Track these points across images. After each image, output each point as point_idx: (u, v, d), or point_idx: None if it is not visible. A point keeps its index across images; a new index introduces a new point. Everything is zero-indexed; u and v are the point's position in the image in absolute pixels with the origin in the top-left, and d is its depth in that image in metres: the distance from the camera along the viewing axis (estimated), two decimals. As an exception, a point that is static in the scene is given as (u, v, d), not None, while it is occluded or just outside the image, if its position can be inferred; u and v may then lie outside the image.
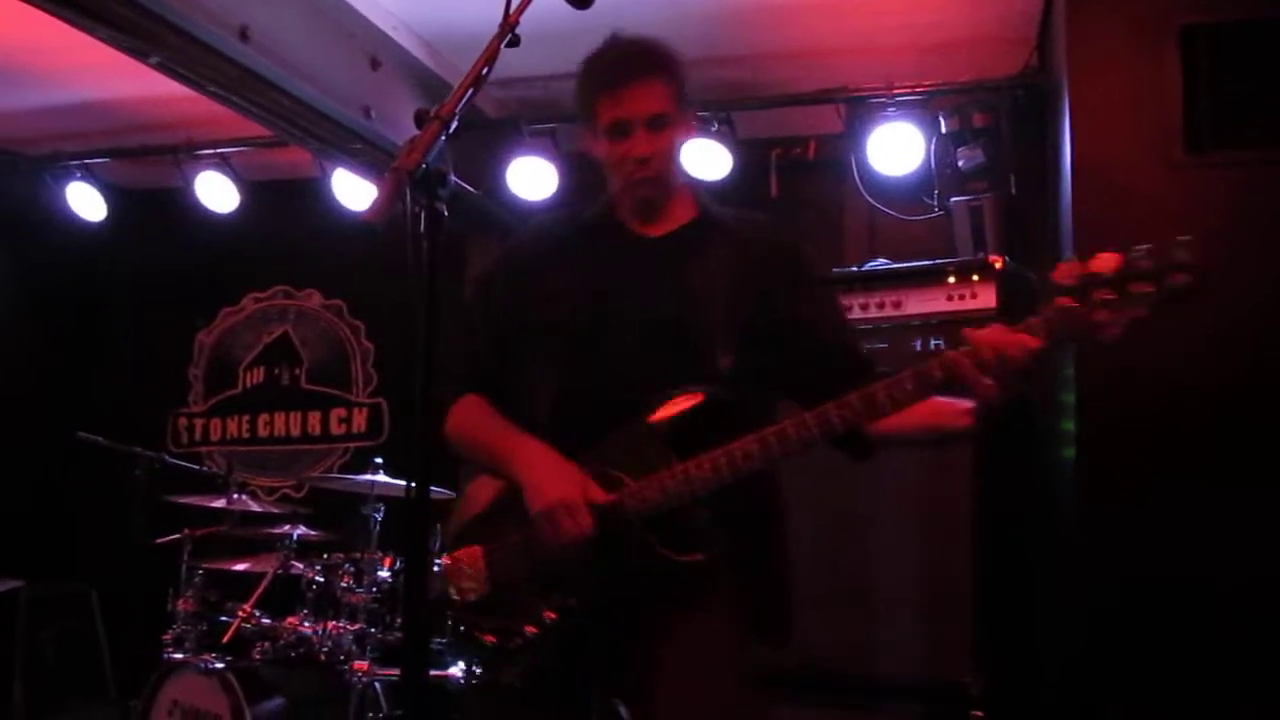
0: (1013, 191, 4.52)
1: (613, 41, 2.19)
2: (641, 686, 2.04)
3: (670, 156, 2.17)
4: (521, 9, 1.85)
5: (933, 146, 4.68)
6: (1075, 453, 3.44)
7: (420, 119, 1.64)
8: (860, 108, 4.82)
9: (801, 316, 2.16)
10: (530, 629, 2.03)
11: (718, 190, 4.04)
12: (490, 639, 2.08)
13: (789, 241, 2.28)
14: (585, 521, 1.95)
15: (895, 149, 4.71)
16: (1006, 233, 4.46)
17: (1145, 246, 1.72)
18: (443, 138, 1.63)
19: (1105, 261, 1.74)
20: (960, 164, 4.57)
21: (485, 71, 1.78)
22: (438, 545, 2.95)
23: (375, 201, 1.56)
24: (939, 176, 4.68)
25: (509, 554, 2.09)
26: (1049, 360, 1.85)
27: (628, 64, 2.14)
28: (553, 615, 2.02)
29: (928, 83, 4.70)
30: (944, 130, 4.64)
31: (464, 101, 1.72)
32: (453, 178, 1.66)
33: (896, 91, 4.71)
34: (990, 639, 3.47)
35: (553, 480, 2.00)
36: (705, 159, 4.83)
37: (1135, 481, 3.29)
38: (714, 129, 4.83)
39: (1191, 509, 3.22)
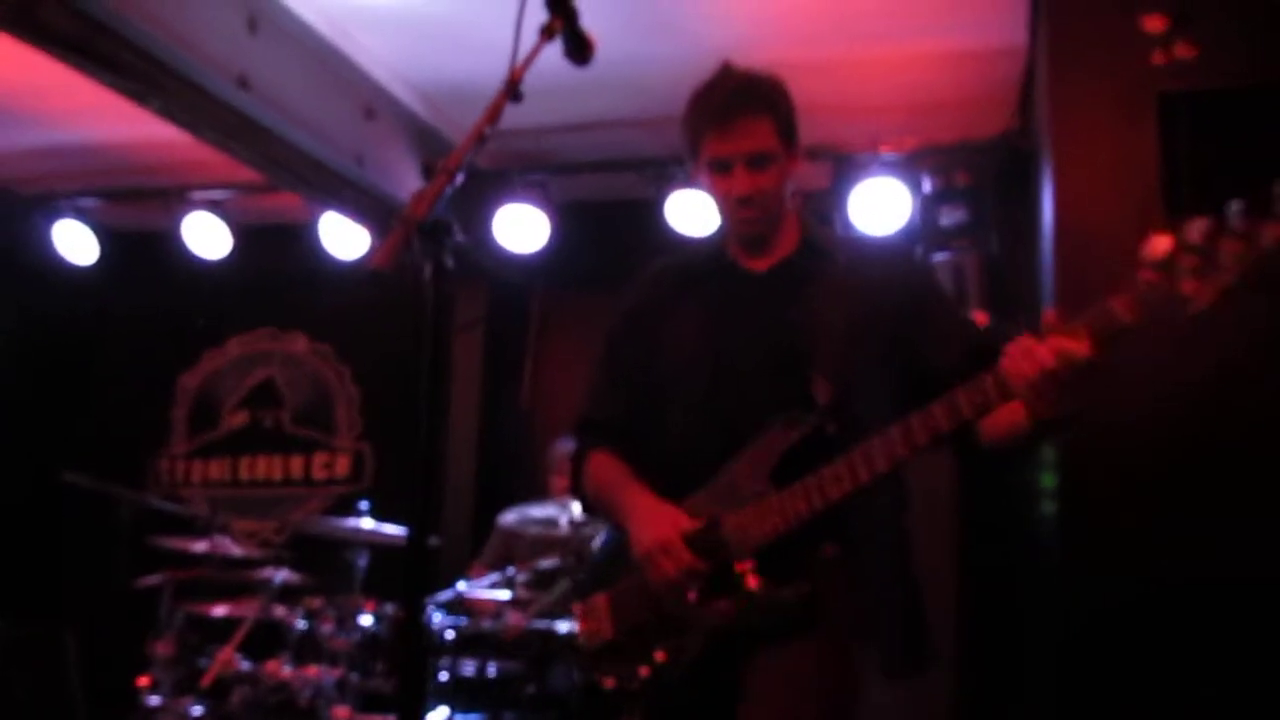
0: (994, 250, 4.60)
1: (719, 75, 2.18)
2: (739, 697, 2.01)
3: (773, 194, 2.15)
4: (526, 65, 1.90)
5: (917, 204, 4.77)
6: (1056, 505, 3.48)
7: (429, 171, 1.68)
8: (846, 165, 4.90)
9: (907, 338, 2.10)
10: (644, 671, 2.06)
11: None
12: (610, 683, 2.12)
13: (897, 262, 2.26)
14: (684, 559, 1.97)
15: (880, 205, 4.79)
16: (988, 290, 4.54)
17: (1240, 201, 1.60)
18: (449, 190, 1.68)
19: (1197, 226, 1.63)
20: (943, 222, 4.66)
21: (489, 130, 1.83)
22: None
23: (383, 250, 1.60)
24: (922, 233, 4.75)
25: (629, 599, 2.13)
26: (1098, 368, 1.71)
27: (730, 100, 2.13)
28: (663, 656, 2.05)
29: (913, 142, 4.80)
30: (928, 188, 4.73)
31: (470, 154, 1.77)
32: (459, 231, 1.70)
33: (882, 150, 4.81)
34: (971, 688, 3.48)
35: (649, 524, 2.04)
36: (696, 212, 4.92)
37: (1113, 531, 3.33)
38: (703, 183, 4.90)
39: (1168, 541, 3.25)
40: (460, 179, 1.69)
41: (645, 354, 2.26)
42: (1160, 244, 1.65)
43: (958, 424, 1.83)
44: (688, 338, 2.20)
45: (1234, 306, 1.66)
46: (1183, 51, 3.50)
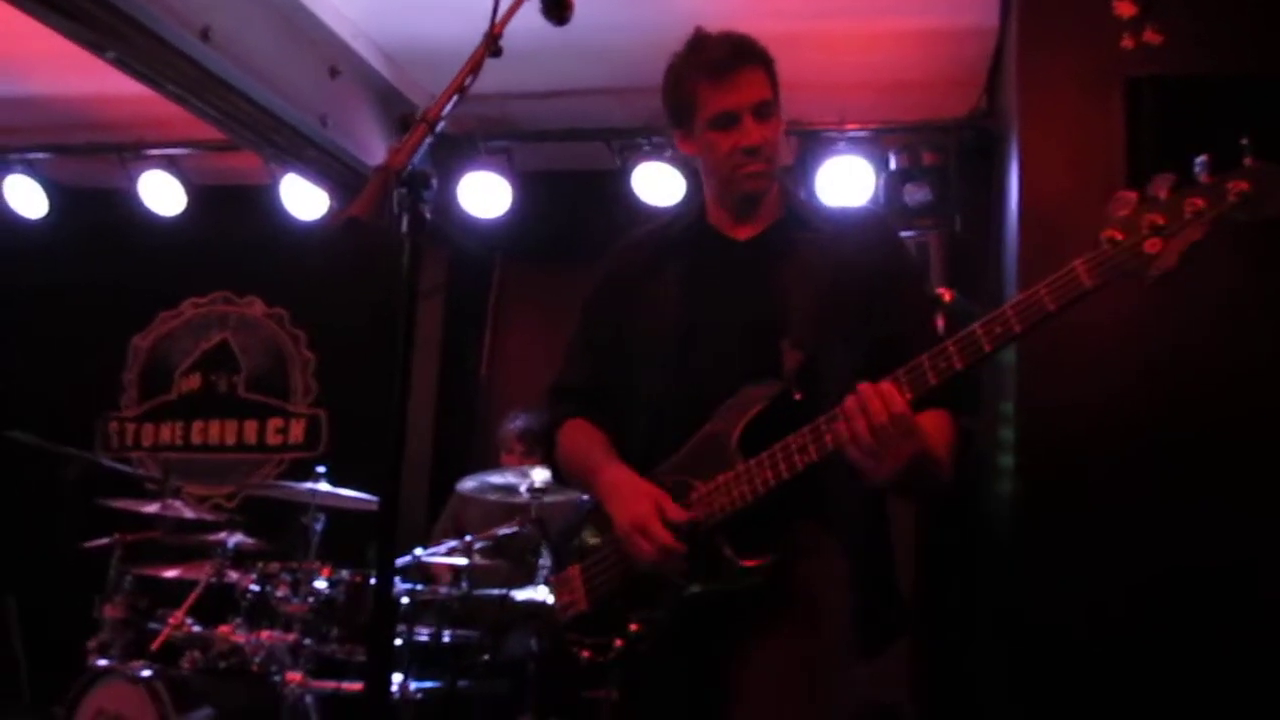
0: (958, 228, 4.64)
1: (706, 35, 2.15)
2: (730, 695, 2.00)
3: (777, 147, 2.14)
4: (506, 20, 1.87)
5: (882, 182, 4.79)
6: (1013, 485, 3.52)
7: (406, 121, 1.66)
8: (812, 141, 4.92)
9: (879, 308, 2.09)
10: (619, 641, 2.05)
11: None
12: (586, 654, 2.11)
13: (875, 236, 2.23)
14: (660, 536, 1.95)
15: (845, 183, 4.80)
16: (951, 268, 4.57)
17: (1204, 157, 1.58)
18: (429, 140, 1.65)
19: (1161, 182, 1.60)
20: (908, 200, 4.69)
21: (470, 80, 1.80)
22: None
23: (362, 199, 1.57)
24: (887, 211, 4.78)
25: (604, 571, 2.11)
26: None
27: (731, 53, 2.09)
28: (637, 627, 2.04)
29: (879, 120, 4.82)
30: (893, 167, 4.76)
31: (449, 107, 1.74)
32: (435, 181, 1.68)
33: (849, 127, 4.82)
34: (928, 666, 3.52)
35: (627, 501, 2.01)
36: (662, 184, 4.90)
37: (1068, 511, 3.38)
38: (667, 154, 4.89)
39: (1122, 535, 3.30)
40: (440, 127, 1.67)
41: (621, 321, 2.25)
42: (1125, 200, 1.63)
43: (920, 393, 1.82)
44: (664, 305, 2.18)
45: (1194, 283, 1.67)
46: (1151, 37, 3.53)
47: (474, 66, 1.80)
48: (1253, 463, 3.24)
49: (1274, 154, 1.61)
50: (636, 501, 2.00)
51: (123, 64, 3.87)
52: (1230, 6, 3.49)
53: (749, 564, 1.93)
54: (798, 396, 1.99)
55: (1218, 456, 3.26)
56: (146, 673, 4.03)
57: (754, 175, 2.13)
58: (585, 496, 2.30)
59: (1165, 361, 3.33)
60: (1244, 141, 1.58)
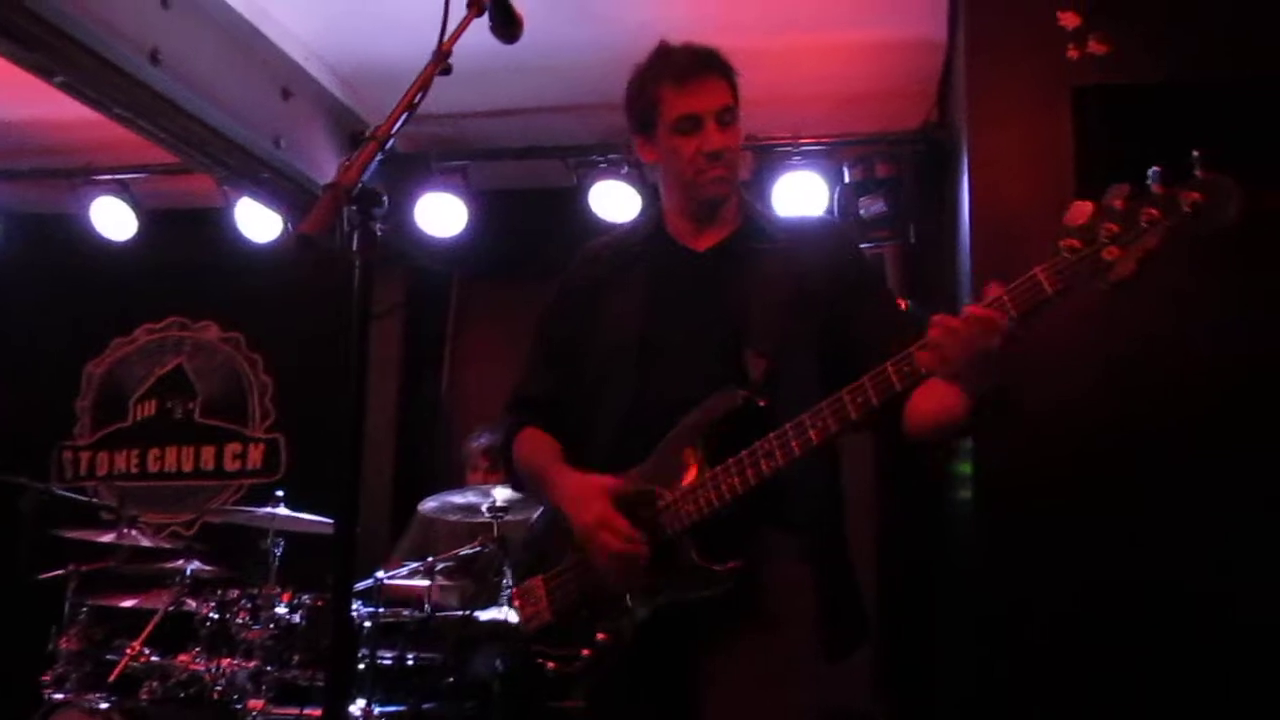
0: (912, 240, 4.68)
1: (669, 46, 2.18)
2: (698, 702, 1.99)
3: (738, 155, 2.17)
4: (455, 37, 1.87)
5: (837, 195, 4.82)
6: (972, 485, 3.55)
7: (358, 139, 1.65)
8: (768, 156, 4.94)
9: (841, 319, 2.11)
10: (586, 652, 2.04)
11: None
12: (552, 665, 2.10)
13: (835, 244, 2.26)
14: (622, 526, 1.96)
15: (801, 196, 4.83)
16: (907, 279, 4.61)
17: (1156, 168, 1.61)
18: (379, 157, 1.64)
19: (1117, 192, 1.63)
20: (863, 213, 4.72)
21: (420, 97, 1.80)
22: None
23: (314, 215, 1.56)
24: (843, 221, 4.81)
25: (566, 581, 2.10)
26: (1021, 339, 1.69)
27: (696, 60, 2.14)
28: (604, 636, 2.03)
29: (834, 134, 4.86)
30: (848, 180, 4.79)
31: (399, 124, 1.74)
32: (386, 199, 1.67)
33: (803, 141, 4.85)
34: (892, 669, 3.53)
35: (584, 501, 2.01)
36: (618, 201, 4.91)
37: (1027, 517, 3.40)
38: (624, 171, 4.90)
39: (1081, 541, 3.33)
40: (391, 145, 1.66)
41: (580, 333, 2.25)
42: (1082, 210, 1.66)
43: (886, 396, 1.84)
44: (624, 315, 2.18)
45: (1152, 286, 1.69)
46: (1095, 47, 3.59)
47: (424, 83, 1.80)
48: (1207, 465, 3.28)
49: (1221, 162, 1.64)
50: (592, 500, 2.01)
51: (71, 88, 3.83)
52: (1172, 17, 3.55)
53: (717, 569, 1.93)
54: (763, 403, 1.99)
55: (1173, 461, 3.30)
56: (104, 705, 3.98)
57: (715, 180, 2.14)
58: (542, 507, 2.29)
59: (1120, 366, 3.37)
60: (1195, 154, 1.60)
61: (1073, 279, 1.65)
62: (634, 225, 2.39)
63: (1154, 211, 1.60)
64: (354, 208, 1.60)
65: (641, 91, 2.18)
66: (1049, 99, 3.63)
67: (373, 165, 1.64)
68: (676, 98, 2.12)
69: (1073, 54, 3.58)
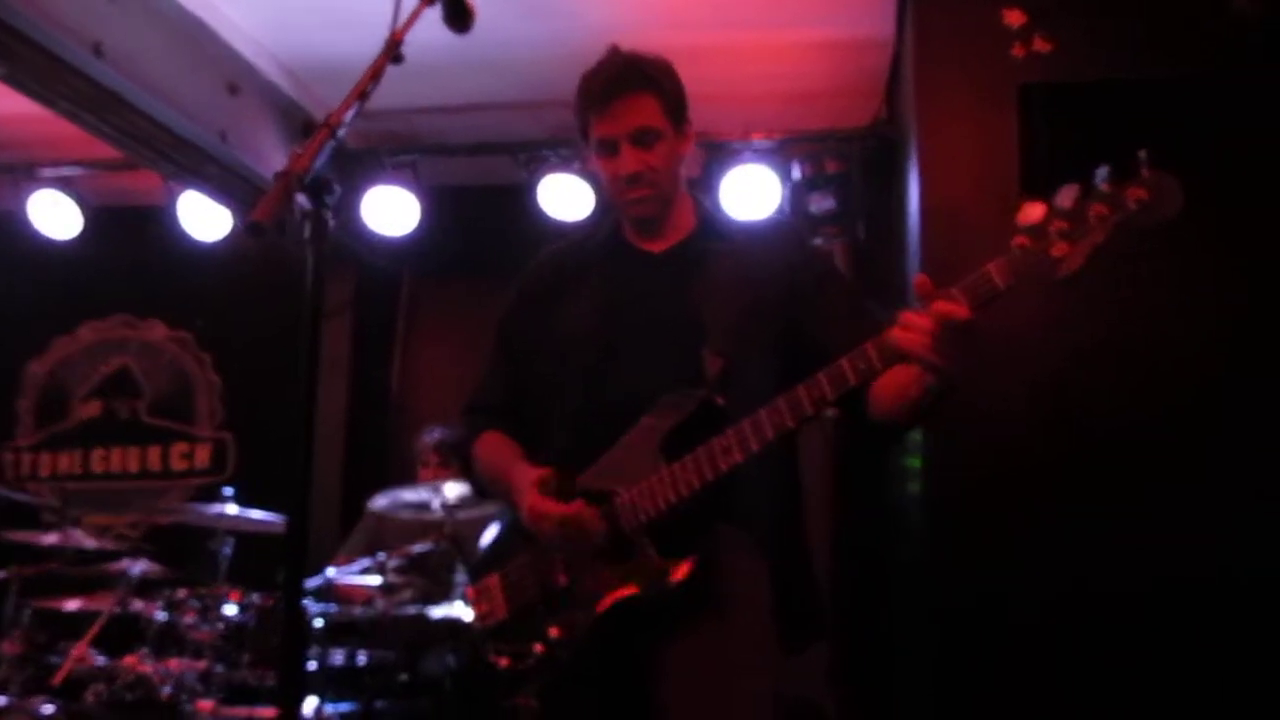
0: (862, 236, 4.72)
1: (603, 59, 2.18)
2: (654, 694, 2.00)
3: (664, 173, 2.15)
4: (407, 27, 1.87)
5: (787, 191, 4.85)
6: (922, 479, 3.59)
7: (308, 128, 1.64)
8: (718, 152, 4.96)
9: (799, 319, 2.12)
10: (539, 648, 2.04)
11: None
12: (504, 662, 2.10)
13: (792, 245, 2.27)
14: (560, 506, 1.97)
15: (751, 193, 4.86)
16: (856, 275, 4.65)
17: (1105, 167, 1.68)
18: (331, 145, 1.64)
19: (1067, 193, 1.70)
20: (813, 209, 4.76)
21: (372, 86, 1.79)
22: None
23: (263, 204, 1.54)
24: (795, 219, 4.85)
25: (521, 577, 2.11)
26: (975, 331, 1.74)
27: (611, 81, 2.13)
28: (558, 632, 2.03)
29: (783, 130, 4.89)
30: (797, 176, 4.83)
31: (351, 113, 1.73)
32: (338, 187, 1.66)
33: (754, 138, 4.88)
34: (847, 662, 3.56)
35: (527, 492, 2.03)
36: (569, 198, 4.91)
37: (978, 511, 3.45)
38: (577, 168, 4.90)
39: (1030, 535, 3.38)
40: (342, 133, 1.65)
41: (537, 337, 2.25)
42: (1033, 210, 1.71)
43: (843, 390, 1.86)
44: (581, 319, 2.19)
45: (1098, 288, 1.74)
46: (1040, 45, 3.65)
47: (375, 73, 1.79)
48: (1155, 458, 3.33)
49: (1164, 158, 1.69)
50: (534, 484, 2.04)
51: (13, 81, 3.76)
52: (1115, 14, 3.62)
53: (673, 565, 1.94)
54: (720, 401, 2.01)
55: (1125, 458, 3.35)
56: (48, 709, 3.91)
57: (634, 201, 2.17)
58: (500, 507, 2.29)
59: (1071, 364, 3.42)
60: (1141, 153, 1.67)
61: (1023, 273, 1.71)
62: (590, 229, 2.40)
63: (1102, 208, 1.67)
64: (306, 195, 1.59)
65: (576, 114, 2.20)
66: (995, 96, 3.68)
67: (325, 153, 1.63)
68: (597, 121, 2.14)
69: (1018, 52, 3.63)
